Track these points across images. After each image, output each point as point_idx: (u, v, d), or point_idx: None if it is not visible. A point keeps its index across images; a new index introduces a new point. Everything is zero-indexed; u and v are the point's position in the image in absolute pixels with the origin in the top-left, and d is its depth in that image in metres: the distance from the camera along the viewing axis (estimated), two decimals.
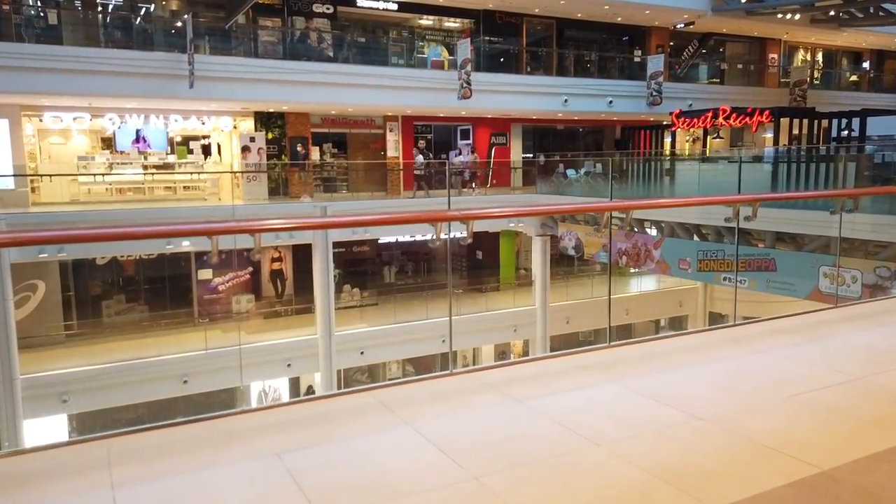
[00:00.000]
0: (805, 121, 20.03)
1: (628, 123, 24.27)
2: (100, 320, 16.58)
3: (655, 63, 21.35)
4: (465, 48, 17.93)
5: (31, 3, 15.79)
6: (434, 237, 3.77)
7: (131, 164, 17.45)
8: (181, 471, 2.65)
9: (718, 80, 25.40)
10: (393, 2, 19.35)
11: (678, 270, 15.30)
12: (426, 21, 20.63)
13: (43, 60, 13.92)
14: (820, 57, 28.26)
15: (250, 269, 17.48)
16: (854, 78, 29.52)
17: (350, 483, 2.58)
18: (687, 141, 21.85)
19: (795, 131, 19.80)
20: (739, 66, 26.26)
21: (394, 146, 20.56)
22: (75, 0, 16.60)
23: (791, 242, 13.49)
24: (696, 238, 15.40)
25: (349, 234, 16.36)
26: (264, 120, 18.57)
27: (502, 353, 20.49)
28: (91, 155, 17.10)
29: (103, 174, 16.99)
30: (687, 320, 22.29)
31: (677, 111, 20.83)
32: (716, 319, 21.52)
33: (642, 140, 23.91)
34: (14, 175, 15.64)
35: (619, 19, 22.02)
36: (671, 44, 23.73)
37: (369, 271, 20.10)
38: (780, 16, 21.94)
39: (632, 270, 19.80)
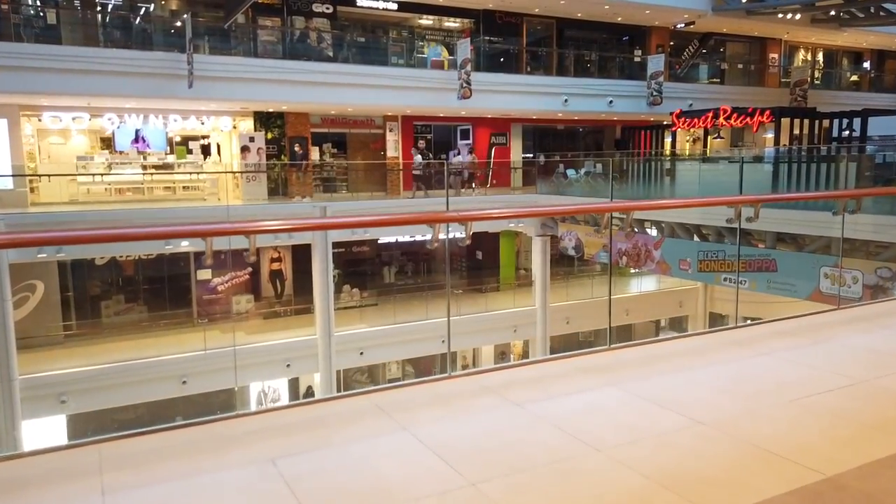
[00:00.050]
0: (806, 121, 19.99)
1: (628, 123, 24.23)
2: (99, 321, 16.54)
3: (656, 63, 21.31)
4: (464, 48, 17.89)
5: (30, 3, 15.75)
6: (432, 239, 3.73)
7: (130, 164, 17.41)
8: (173, 477, 2.60)
9: (719, 80, 25.35)
10: (393, 1, 19.31)
11: (678, 271, 15.26)
12: (426, 21, 20.59)
13: (42, 60, 13.88)
14: (820, 57, 28.22)
15: (249, 269, 17.43)
16: (855, 78, 29.47)
17: (345, 489, 2.53)
18: (687, 141, 21.81)
19: (796, 131, 19.76)
20: (740, 66, 26.21)
21: (393, 146, 20.52)
22: (74, 0, 16.56)
23: (792, 243, 13.44)
24: (696, 238, 15.36)
25: (349, 234, 16.32)
26: (264, 120, 18.52)
27: (502, 354, 20.46)
28: (90, 155, 17.06)
29: (102, 174, 16.94)
30: (687, 321, 22.26)
31: (678, 111, 20.79)
32: (716, 320, 21.50)
33: (642, 140, 23.86)
34: (13, 175, 15.59)
35: (620, 19, 21.98)
36: (671, 44, 23.68)
37: (369, 271, 20.05)
38: (780, 16, 21.89)
39: (632, 271, 19.76)
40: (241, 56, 16.95)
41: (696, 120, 20.33)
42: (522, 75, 20.73)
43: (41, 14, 15.89)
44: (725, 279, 14.18)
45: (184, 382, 14.22)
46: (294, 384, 17.12)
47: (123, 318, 16.83)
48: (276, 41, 18.06)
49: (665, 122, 22.29)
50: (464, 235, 3.77)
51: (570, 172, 20.39)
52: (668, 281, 20.29)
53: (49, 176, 16.45)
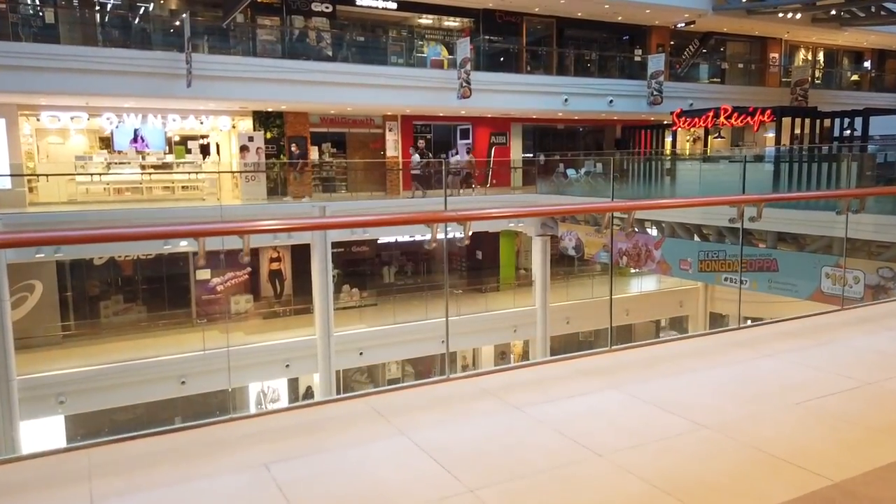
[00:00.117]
0: (807, 120, 19.92)
1: (629, 123, 24.16)
2: (97, 321, 16.49)
3: (656, 62, 21.25)
4: (464, 47, 17.83)
5: (28, 2, 15.69)
6: (430, 239, 3.68)
7: (129, 163, 17.35)
8: (163, 483, 2.54)
9: (719, 80, 25.29)
10: (392, 0, 19.24)
11: (679, 271, 15.20)
12: (425, 20, 20.53)
13: (40, 59, 13.82)
14: (821, 56, 28.15)
15: (249, 269, 17.37)
16: (855, 77, 29.41)
17: (341, 495, 2.47)
18: (687, 141, 21.74)
19: (797, 131, 19.69)
20: (740, 65, 26.14)
21: (393, 146, 20.46)
22: None
23: (793, 243, 13.39)
24: (696, 238, 15.30)
25: (348, 234, 16.26)
26: (263, 119, 18.46)
27: (502, 354, 20.40)
28: (89, 155, 16.99)
29: (101, 174, 16.88)
30: (687, 321, 22.21)
31: (678, 110, 20.72)
32: (716, 320, 21.45)
33: (643, 140, 23.80)
34: (11, 175, 15.53)
35: (620, 18, 21.91)
36: (672, 43, 23.62)
37: (368, 271, 19.99)
38: (781, 15, 21.84)
39: (632, 270, 19.70)
40: (240, 55, 16.88)
41: (696, 119, 20.26)
42: (522, 75, 20.66)
43: (39, 13, 15.84)
44: (726, 279, 14.13)
45: (183, 383, 14.17)
46: (293, 384, 17.06)
47: (122, 318, 16.78)
48: (275, 40, 17.99)
49: (665, 122, 22.23)
50: (462, 235, 3.72)
51: (571, 172, 20.33)
52: (669, 281, 20.25)
53: (47, 176, 16.39)
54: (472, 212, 3.73)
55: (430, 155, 19.90)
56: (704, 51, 24.73)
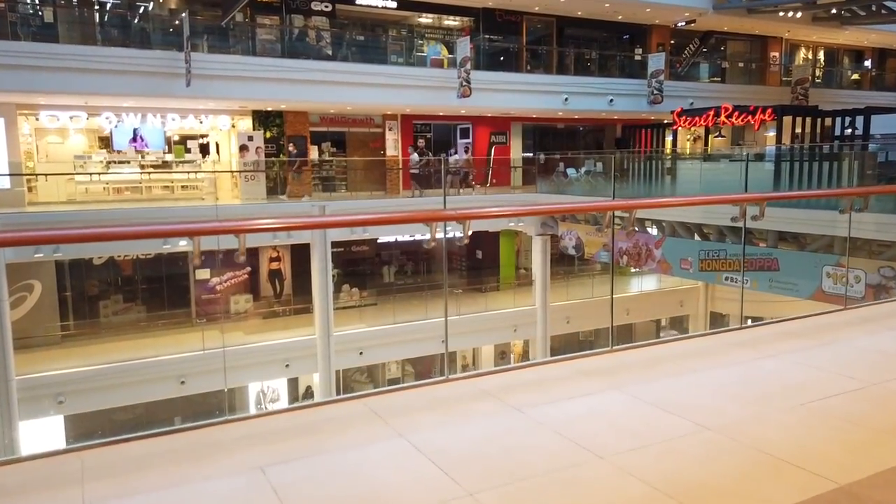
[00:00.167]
0: (808, 119, 19.88)
1: (629, 122, 24.11)
2: (97, 321, 16.45)
3: (656, 61, 21.20)
4: (464, 46, 17.78)
5: (27, 1, 15.65)
6: (430, 238, 3.64)
7: (129, 163, 17.31)
8: (156, 487, 2.49)
9: (719, 79, 25.24)
10: None
11: (679, 270, 15.16)
12: (425, 19, 20.48)
13: (39, 59, 13.77)
14: (822, 55, 28.10)
15: (248, 268, 17.34)
16: (856, 77, 29.34)
17: (336, 498, 2.43)
18: (688, 140, 21.69)
19: (798, 130, 19.65)
20: (741, 64, 26.09)
21: (393, 145, 20.42)
22: None
23: (794, 242, 13.35)
24: (697, 237, 15.26)
25: (348, 233, 16.22)
26: (262, 119, 18.41)
27: (502, 353, 20.36)
28: (88, 154, 16.95)
29: (100, 173, 16.84)
30: (688, 320, 22.18)
31: (679, 109, 20.68)
32: (717, 319, 21.42)
33: (643, 139, 23.75)
34: (10, 174, 15.49)
35: (620, 17, 21.86)
36: (672, 42, 23.56)
37: (368, 271, 19.94)
38: (781, 14, 21.78)
39: (633, 270, 19.66)
40: (239, 54, 16.83)
41: (697, 118, 20.21)
42: (522, 74, 20.60)
43: (38, 12, 15.79)
44: (727, 278, 14.08)
45: (182, 383, 14.13)
46: (293, 384, 17.03)
47: (121, 318, 16.74)
48: (274, 40, 17.93)
49: (666, 121, 22.18)
50: (462, 234, 3.68)
51: (571, 171, 20.29)
52: (669, 280, 20.21)
53: (46, 175, 16.34)
54: (471, 211, 3.68)
55: (430, 154, 19.85)
56: (705, 50, 24.68)
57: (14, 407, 12.43)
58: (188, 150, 17.99)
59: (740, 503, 2.42)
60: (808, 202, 11.75)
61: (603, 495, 2.48)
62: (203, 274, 16.85)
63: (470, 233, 3.72)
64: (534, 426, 3.09)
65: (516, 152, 22.52)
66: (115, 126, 16.95)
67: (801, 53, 27.30)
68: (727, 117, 19.37)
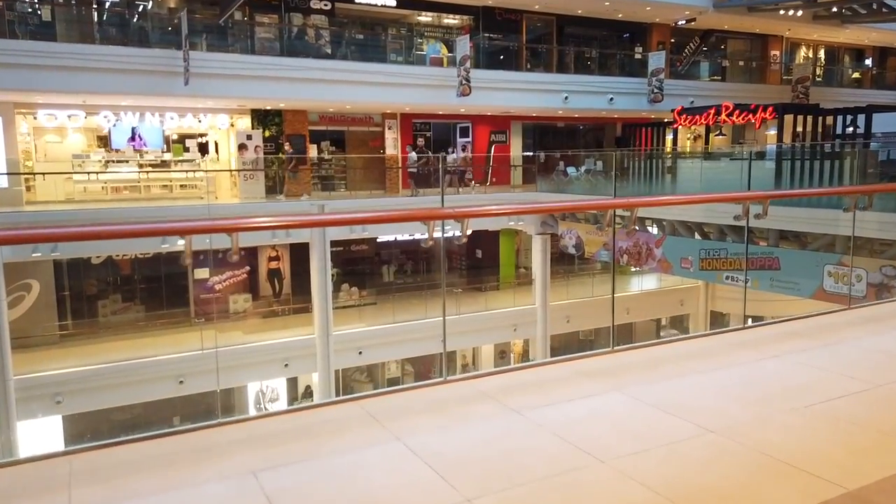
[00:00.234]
0: (809, 117, 19.81)
1: (629, 121, 24.04)
2: (95, 320, 16.40)
3: (656, 60, 21.13)
4: (464, 45, 17.72)
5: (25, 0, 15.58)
6: (427, 237, 3.58)
7: (127, 162, 17.25)
8: (145, 492, 2.43)
9: (720, 77, 25.17)
10: None
11: (680, 269, 15.10)
12: (425, 17, 20.41)
13: (37, 57, 13.69)
14: (822, 54, 28.03)
15: (247, 268, 17.29)
16: (856, 75, 29.27)
17: None
18: (688, 138, 21.62)
19: (799, 128, 19.58)
20: (741, 62, 26.02)
21: (392, 144, 20.35)
22: None
23: (795, 241, 13.28)
24: (697, 236, 15.19)
25: (347, 232, 16.16)
26: (261, 118, 18.35)
27: (502, 353, 20.30)
28: (86, 153, 16.89)
29: (98, 172, 16.78)
30: (688, 319, 22.12)
31: (679, 108, 20.61)
32: (717, 318, 21.37)
33: (643, 137, 23.67)
34: (8, 173, 15.43)
35: (620, 16, 21.79)
36: (672, 40, 23.50)
37: (368, 270, 19.88)
38: (781, 12, 21.72)
39: (633, 269, 19.60)
40: (238, 53, 16.75)
41: (697, 117, 20.14)
42: (522, 72, 20.53)
43: (37, 11, 15.72)
44: (728, 278, 14.02)
45: (181, 382, 14.07)
46: (292, 384, 16.97)
47: (120, 317, 16.68)
48: (273, 38, 17.86)
49: (666, 120, 22.10)
50: (460, 233, 3.62)
51: (571, 170, 20.22)
52: (669, 279, 20.15)
53: (45, 174, 16.28)
54: (470, 209, 3.62)
55: (430, 153, 19.77)
56: (705, 48, 24.61)
57: (12, 407, 12.38)
58: (187, 149, 17.93)
59: None
60: (810, 201, 11.69)
61: (604, 500, 2.42)
62: (202, 273, 16.78)
63: (469, 232, 3.66)
64: (533, 429, 3.03)
65: (516, 151, 22.47)
66: (114, 125, 16.89)
67: (802, 52, 27.23)
68: (728, 116, 19.30)
